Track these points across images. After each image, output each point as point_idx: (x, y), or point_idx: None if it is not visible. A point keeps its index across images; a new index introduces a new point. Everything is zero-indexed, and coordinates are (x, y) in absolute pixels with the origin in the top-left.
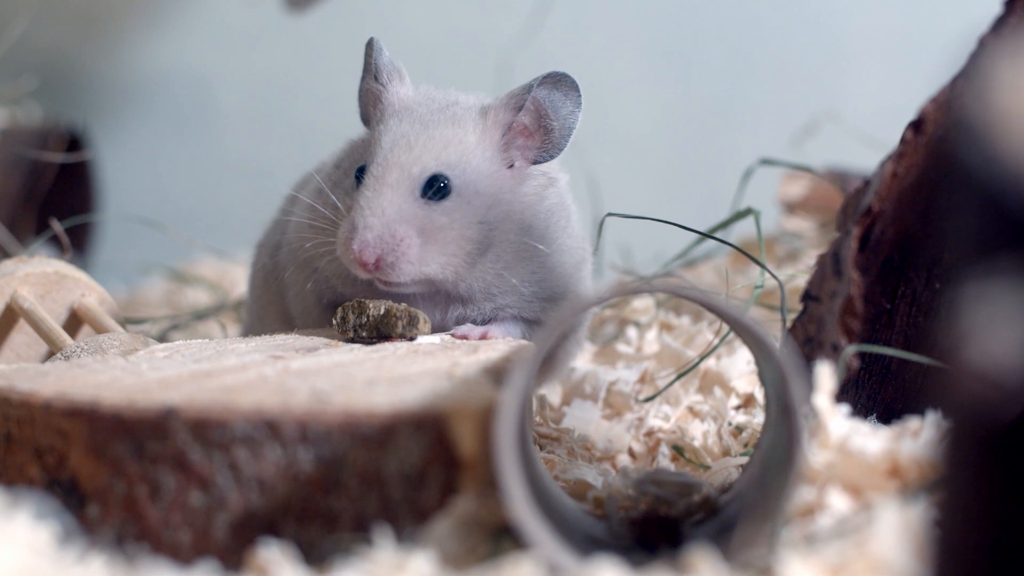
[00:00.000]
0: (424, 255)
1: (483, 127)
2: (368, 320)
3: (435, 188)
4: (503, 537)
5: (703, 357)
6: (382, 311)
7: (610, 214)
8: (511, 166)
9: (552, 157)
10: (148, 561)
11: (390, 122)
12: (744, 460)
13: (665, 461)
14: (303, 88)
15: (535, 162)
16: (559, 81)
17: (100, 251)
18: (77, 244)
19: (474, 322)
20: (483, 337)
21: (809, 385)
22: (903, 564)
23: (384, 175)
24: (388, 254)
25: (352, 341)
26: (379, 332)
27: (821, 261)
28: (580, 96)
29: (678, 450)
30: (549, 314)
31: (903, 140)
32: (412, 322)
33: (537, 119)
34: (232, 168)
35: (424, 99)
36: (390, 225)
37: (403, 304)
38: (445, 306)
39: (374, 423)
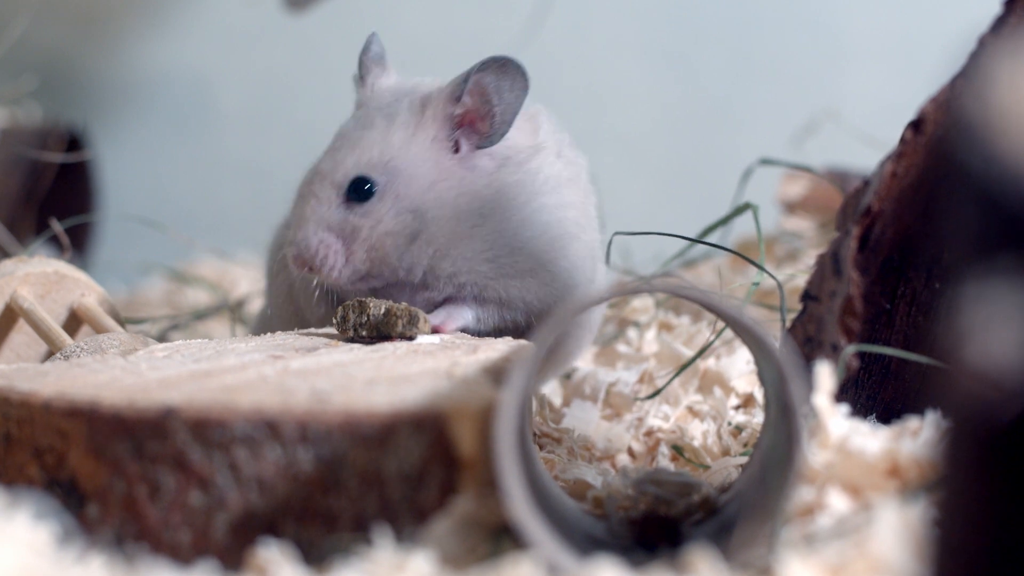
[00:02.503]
0: (350, 257)
1: (419, 119)
2: (368, 319)
3: (359, 191)
4: (503, 537)
5: (699, 354)
6: (383, 311)
7: (617, 233)
8: (457, 151)
9: (494, 142)
10: (148, 561)
11: (344, 123)
12: (744, 460)
13: (665, 461)
14: (303, 88)
15: (480, 146)
16: (503, 65)
17: (100, 251)
18: (77, 244)
19: (438, 305)
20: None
21: (809, 385)
22: (903, 564)
23: (311, 184)
24: (313, 262)
25: (352, 340)
26: (379, 332)
27: (820, 261)
28: (526, 80)
29: (678, 450)
30: (527, 290)
31: (903, 140)
32: (412, 321)
33: (480, 104)
34: (232, 168)
35: (380, 94)
36: (313, 235)
37: (403, 304)
38: (411, 293)
39: (374, 423)
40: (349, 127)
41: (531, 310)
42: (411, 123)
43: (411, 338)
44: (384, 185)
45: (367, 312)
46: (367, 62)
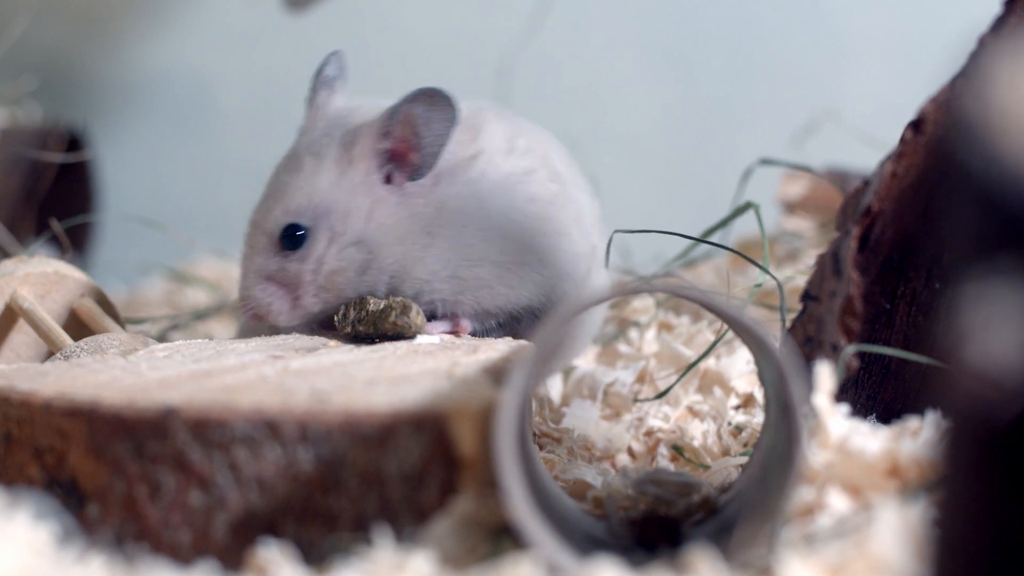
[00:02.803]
0: (298, 300)
1: (348, 155)
2: (367, 315)
3: (291, 238)
4: (503, 537)
5: (701, 358)
6: (381, 306)
7: (617, 231)
8: (388, 181)
9: (423, 174)
10: (148, 561)
11: (280, 160)
12: (744, 460)
13: (664, 461)
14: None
15: (411, 178)
16: (432, 97)
17: (100, 251)
18: (77, 244)
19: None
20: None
21: (808, 385)
22: (903, 564)
23: (249, 236)
24: (260, 312)
25: (351, 337)
26: (376, 326)
27: (820, 261)
28: (455, 111)
29: (677, 450)
30: (504, 297)
31: (902, 140)
32: (404, 311)
33: (410, 136)
34: (232, 168)
35: (318, 122)
36: (254, 287)
37: (400, 297)
38: None
39: (374, 423)
40: (279, 168)
41: (521, 313)
42: (339, 160)
43: (404, 330)
44: (316, 227)
45: (367, 308)
46: (317, 83)
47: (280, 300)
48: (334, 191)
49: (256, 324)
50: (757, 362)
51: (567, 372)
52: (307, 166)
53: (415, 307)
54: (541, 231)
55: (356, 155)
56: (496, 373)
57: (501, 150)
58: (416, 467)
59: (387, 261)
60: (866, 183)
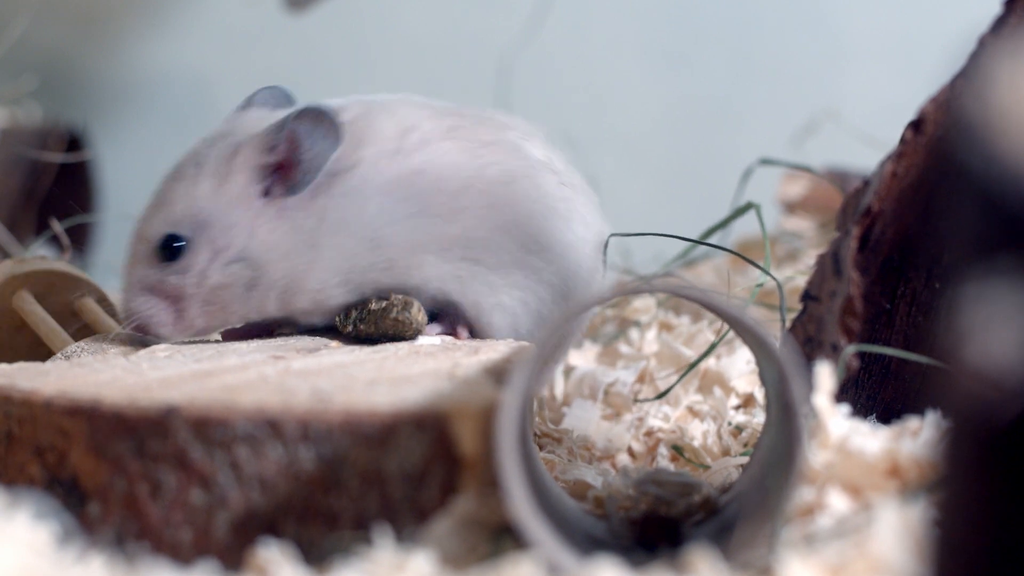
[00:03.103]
0: (182, 314)
1: (229, 167)
2: (368, 313)
3: (169, 248)
4: (503, 536)
5: (701, 358)
6: (383, 305)
7: (614, 234)
8: (267, 195)
9: (298, 192)
10: (148, 560)
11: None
12: (744, 460)
13: (664, 461)
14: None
15: (289, 192)
16: (317, 116)
17: (100, 251)
18: (77, 244)
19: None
20: None
21: (809, 385)
22: (903, 564)
23: (130, 244)
24: (141, 323)
25: (353, 338)
26: (377, 325)
27: (821, 261)
28: (338, 131)
29: (678, 450)
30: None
31: (903, 140)
32: (406, 307)
33: (292, 153)
34: None
35: (205, 138)
36: (133, 299)
37: (401, 295)
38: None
39: (375, 422)
40: (165, 176)
41: (439, 310)
42: (220, 172)
43: (406, 326)
44: (196, 239)
45: (368, 306)
46: (246, 102)
47: (163, 313)
48: (213, 203)
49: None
50: (758, 362)
51: (567, 372)
52: (188, 175)
53: (416, 304)
54: (436, 229)
55: (236, 167)
56: (497, 374)
57: (387, 153)
58: (417, 467)
59: (275, 277)
60: (866, 183)
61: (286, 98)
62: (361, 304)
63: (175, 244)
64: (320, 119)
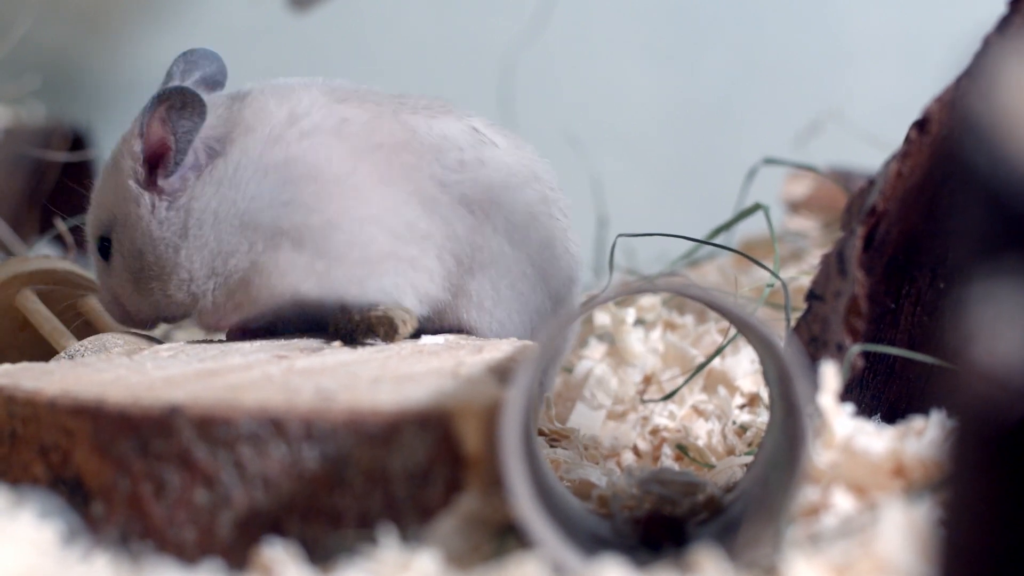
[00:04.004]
0: (125, 310)
1: (119, 161)
2: (354, 326)
3: (104, 251)
4: (508, 536)
5: (710, 359)
6: (367, 317)
7: (621, 235)
8: (153, 184)
9: (173, 172)
10: (152, 559)
11: None
12: (748, 459)
13: (669, 460)
14: None
15: (166, 177)
16: (174, 95)
17: None
18: (79, 243)
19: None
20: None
21: (814, 384)
22: (908, 564)
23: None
24: (112, 316)
25: (350, 344)
26: (371, 332)
27: (825, 261)
28: (202, 106)
29: (682, 449)
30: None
31: (907, 140)
32: (392, 329)
33: (162, 137)
34: None
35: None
36: (101, 294)
37: (381, 308)
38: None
39: (379, 421)
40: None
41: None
42: (115, 167)
43: (398, 341)
44: (119, 239)
45: (352, 319)
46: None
47: (114, 308)
48: (115, 199)
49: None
50: (762, 361)
51: (572, 370)
52: (104, 174)
53: (399, 320)
54: (298, 217)
55: (123, 159)
56: (501, 372)
57: (262, 135)
58: (421, 465)
59: (166, 271)
60: (871, 183)
61: (211, 61)
62: (343, 314)
63: (105, 245)
64: (180, 98)
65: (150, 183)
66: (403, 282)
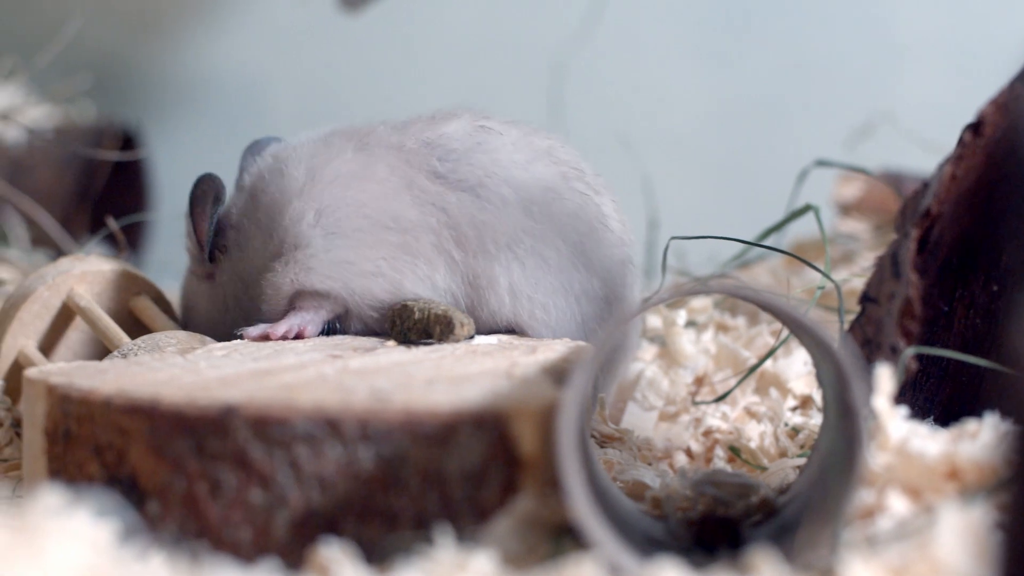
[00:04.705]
0: None
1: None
2: (414, 324)
3: None
4: (563, 537)
5: (763, 360)
6: (426, 315)
7: (674, 237)
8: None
9: (210, 258)
10: (209, 559)
11: None
12: (801, 461)
13: (721, 462)
14: (354, 89)
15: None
16: (203, 184)
17: (153, 249)
18: (131, 242)
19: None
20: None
21: (869, 387)
22: (965, 567)
23: None
24: None
25: (404, 343)
26: (427, 333)
27: (880, 263)
28: (221, 195)
29: (735, 451)
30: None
31: (961, 142)
32: (448, 328)
33: (200, 231)
34: None
35: None
36: None
37: (443, 307)
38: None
39: (435, 422)
40: None
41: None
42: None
43: (453, 342)
44: None
45: (411, 316)
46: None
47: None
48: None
49: None
50: (816, 363)
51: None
52: None
53: (457, 320)
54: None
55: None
56: (555, 373)
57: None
58: (477, 466)
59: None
60: (926, 185)
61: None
62: (404, 313)
63: None
64: (205, 184)
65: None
66: (404, 275)
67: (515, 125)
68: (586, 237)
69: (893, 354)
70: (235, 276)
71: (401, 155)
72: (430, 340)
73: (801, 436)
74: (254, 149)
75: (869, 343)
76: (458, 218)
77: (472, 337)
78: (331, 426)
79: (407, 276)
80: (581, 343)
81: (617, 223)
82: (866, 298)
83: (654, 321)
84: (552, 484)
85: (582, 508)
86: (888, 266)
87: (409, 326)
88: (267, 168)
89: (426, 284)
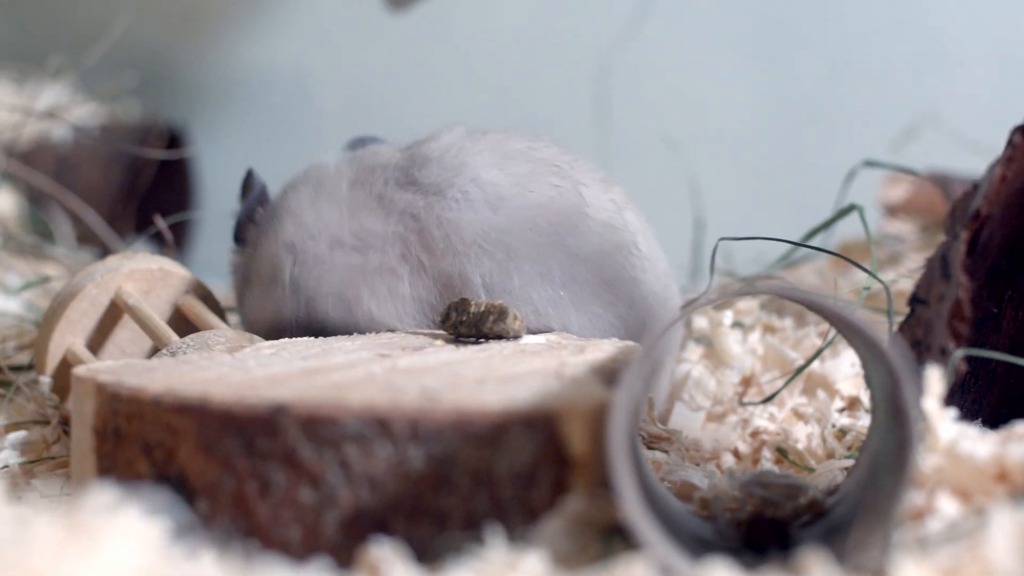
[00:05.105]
0: None
1: None
2: (468, 317)
3: None
4: (614, 537)
5: (810, 361)
6: (482, 308)
7: (722, 239)
8: None
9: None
10: (261, 558)
11: None
12: (849, 463)
13: (768, 463)
14: (401, 88)
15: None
16: (246, 183)
17: (198, 248)
18: (176, 241)
19: None
20: None
21: (919, 388)
22: (1017, 569)
23: None
24: None
25: (455, 337)
26: (478, 329)
27: (929, 264)
28: (258, 192)
29: (782, 452)
30: None
31: (1011, 144)
32: (501, 316)
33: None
34: None
35: None
36: None
37: (499, 301)
38: None
39: (485, 422)
40: None
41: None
42: None
43: (504, 334)
44: None
45: (468, 310)
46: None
47: None
48: None
49: None
50: (865, 364)
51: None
52: None
53: (512, 312)
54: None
55: None
56: (604, 373)
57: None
58: (527, 466)
59: None
60: (975, 187)
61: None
62: (462, 307)
63: None
64: (248, 183)
65: None
66: (378, 293)
67: (500, 132)
68: (561, 226)
69: (942, 356)
70: (241, 269)
71: (377, 172)
72: (481, 336)
73: (848, 437)
74: (353, 146)
75: (918, 344)
76: (426, 221)
77: (520, 336)
78: (381, 425)
79: (387, 299)
80: (629, 343)
81: (606, 212)
82: (915, 299)
83: (700, 322)
84: (602, 484)
85: (633, 509)
86: (938, 267)
87: (464, 319)
88: (296, 179)
89: (401, 299)
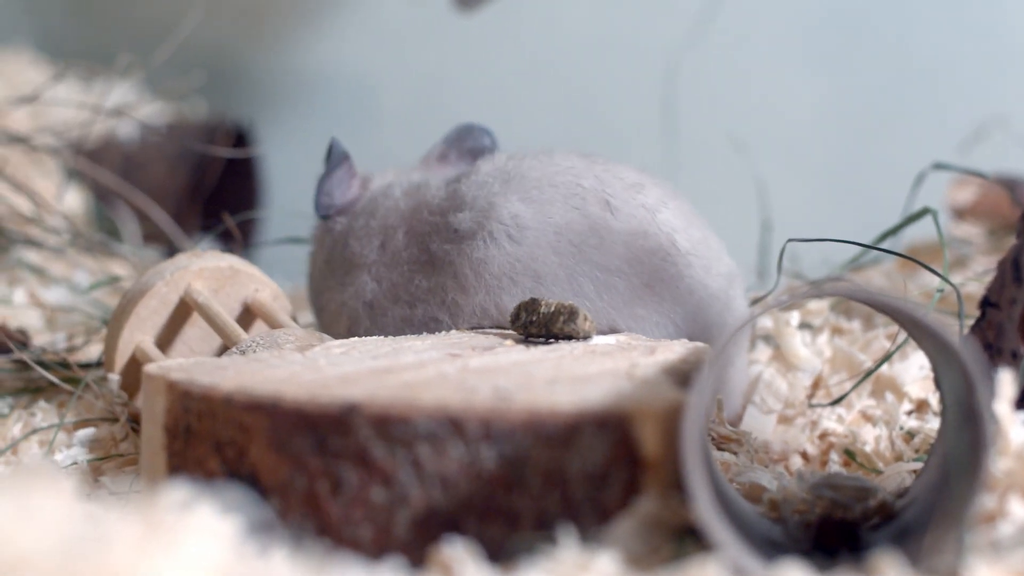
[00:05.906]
0: None
1: None
2: (539, 317)
3: None
4: (686, 538)
5: (881, 362)
6: (552, 308)
7: (791, 239)
8: None
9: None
10: (333, 556)
11: None
12: (917, 466)
13: (836, 466)
14: (464, 88)
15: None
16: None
17: (265, 246)
18: (243, 239)
19: None
20: None
21: (992, 392)
22: None
23: None
24: None
25: (524, 337)
26: (547, 329)
27: (1001, 267)
28: (351, 176)
29: (850, 454)
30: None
31: None
32: (571, 317)
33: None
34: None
35: None
36: None
37: (569, 302)
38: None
39: (557, 422)
40: None
41: None
42: None
43: (574, 334)
44: None
45: (538, 311)
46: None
47: None
48: None
49: None
50: (935, 366)
51: None
52: None
53: (582, 312)
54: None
55: None
56: (676, 374)
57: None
58: (599, 467)
59: None
60: None
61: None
62: (532, 307)
63: None
64: (332, 151)
65: None
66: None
67: (535, 157)
68: (585, 245)
69: (1014, 359)
70: (323, 242)
71: (423, 215)
72: (551, 336)
73: (916, 440)
74: (461, 134)
75: (990, 348)
76: (459, 265)
77: (590, 336)
78: (454, 425)
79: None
80: (699, 344)
81: (635, 219)
82: (987, 302)
83: (765, 321)
84: (674, 485)
85: (706, 510)
86: (1009, 271)
87: (533, 319)
88: (378, 192)
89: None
